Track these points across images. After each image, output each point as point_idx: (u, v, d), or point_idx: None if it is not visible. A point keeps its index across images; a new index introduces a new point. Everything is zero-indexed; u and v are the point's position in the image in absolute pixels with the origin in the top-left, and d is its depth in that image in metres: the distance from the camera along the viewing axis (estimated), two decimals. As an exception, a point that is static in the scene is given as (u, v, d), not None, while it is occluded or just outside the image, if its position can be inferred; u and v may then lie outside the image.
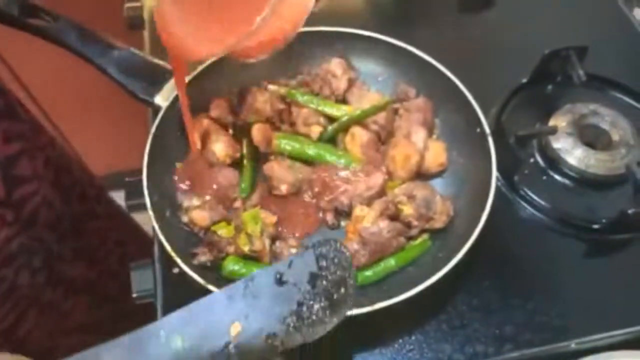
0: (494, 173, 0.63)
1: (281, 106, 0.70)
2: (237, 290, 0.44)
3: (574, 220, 0.70)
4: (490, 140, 0.65)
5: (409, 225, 0.64)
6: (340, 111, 0.70)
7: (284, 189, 0.66)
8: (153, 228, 0.72)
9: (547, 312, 0.64)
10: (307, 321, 0.45)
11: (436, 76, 0.71)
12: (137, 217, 1.13)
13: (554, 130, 0.73)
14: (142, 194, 0.72)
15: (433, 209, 0.63)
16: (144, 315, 1.00)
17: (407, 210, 0.63)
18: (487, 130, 0.66)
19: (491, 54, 0.86)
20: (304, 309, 0.45)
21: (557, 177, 0.74)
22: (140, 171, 0.70)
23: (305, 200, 0.67)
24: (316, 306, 0.45)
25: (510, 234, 0.70)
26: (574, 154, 0.73)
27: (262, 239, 0.60)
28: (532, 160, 0.75)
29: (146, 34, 0.93)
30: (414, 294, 0.56)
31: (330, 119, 0.71)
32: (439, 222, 0.64)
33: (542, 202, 0.71)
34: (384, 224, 0.61)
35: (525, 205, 0.72)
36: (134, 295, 0.69)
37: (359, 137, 0.68)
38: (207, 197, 0.64)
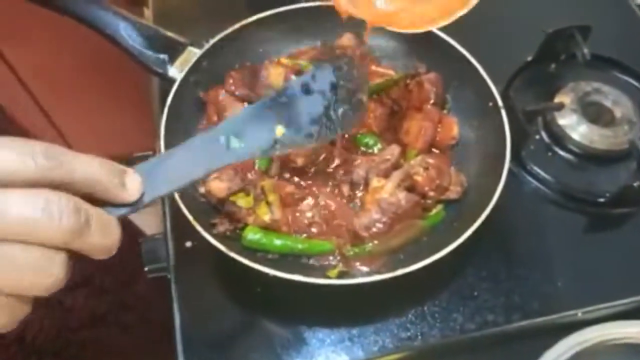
0: (509, 145, 0.64)
1: (295, 80, 0.71)
2: (272, 102, 0.50)
3: (578, 194, 0.72)
4: (503, 113, 0.66)
5: (424, 196, 0.65)
6: (353, 85, 0.71)
7: (300, 161, 0.66)
8: (163, 202, 0.73)
9: (554, 283, 0.66)
10: (335, 121, 0.54)
11: (447, 52, 0.72)
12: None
13: (560, 106, 0.75)
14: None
15: (447, 180, 0.64)
16: (145, 304, 0.99)
17: (423, 181, 0.64)
18: (501, 103, 0.67)
19: (497, 32, 0.86)
20: (331, 111, 0.53)
21: (562, 152, 0.75)
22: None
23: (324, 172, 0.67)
24: (340, 109, 0.54)
25: (516, 207, 0.71)
26: (578, 130, 0.75)
27: (282, 208, 0.61)
28: (537, 136, 0.76)
29: (148, 11, 0.92)
30: (431, 261, 0.57)
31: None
32: (453, 193, 0.65)
33: (548, 177, 0.73)
34: (402, 194, 0.62)
35: (532, 179, 0.73)
36: (146, 269, 0.69)
37: (373, 110, 0.69)
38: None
